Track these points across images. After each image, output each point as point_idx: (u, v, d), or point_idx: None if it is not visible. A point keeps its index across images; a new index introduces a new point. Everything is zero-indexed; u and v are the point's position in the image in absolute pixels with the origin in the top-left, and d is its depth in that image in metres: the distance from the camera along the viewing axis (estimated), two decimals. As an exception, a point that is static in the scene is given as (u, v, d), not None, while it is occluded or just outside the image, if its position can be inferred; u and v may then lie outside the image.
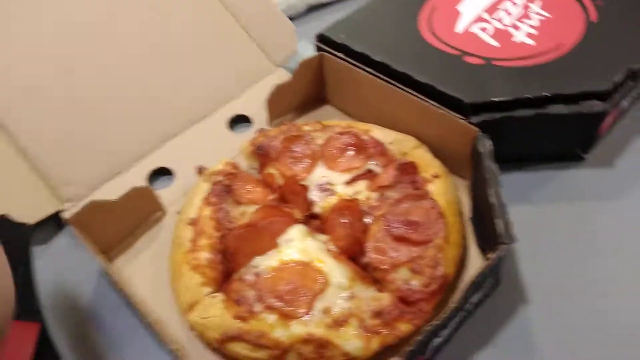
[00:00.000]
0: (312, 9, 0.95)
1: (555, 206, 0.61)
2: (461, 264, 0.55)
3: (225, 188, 0.60)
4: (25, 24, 0.68)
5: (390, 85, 0.64)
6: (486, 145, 0.57)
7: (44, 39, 0.68)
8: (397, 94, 0.64)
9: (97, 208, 0.57)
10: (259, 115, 0.73)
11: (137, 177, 0.66)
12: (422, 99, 0.62)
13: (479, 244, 0.57)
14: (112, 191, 0.63)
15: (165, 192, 0.66)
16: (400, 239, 0.54)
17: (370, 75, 0.66)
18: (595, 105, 0.58)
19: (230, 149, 0.69)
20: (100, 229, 0.59)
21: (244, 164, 0.67)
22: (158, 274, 0.58)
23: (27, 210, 0.60)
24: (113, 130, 0.68)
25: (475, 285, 0.47)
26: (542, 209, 0.61)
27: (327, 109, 0.75)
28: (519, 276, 0.56)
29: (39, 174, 0.64)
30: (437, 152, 0.63)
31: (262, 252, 0.54)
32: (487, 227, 0.52)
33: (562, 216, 0.60)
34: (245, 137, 0.70)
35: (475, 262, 0.56)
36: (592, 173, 0.64)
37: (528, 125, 0.60)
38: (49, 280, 0.60)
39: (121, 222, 0.61)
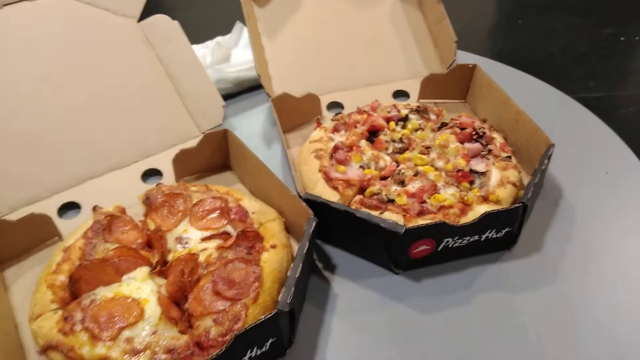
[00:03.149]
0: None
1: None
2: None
3: (104, 226, 0.72)
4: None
5: (264, 167, 0.76)
6: (311, 225, 0.67)
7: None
8: (268, 174, 0.75)
9: (-5, 225, 0.70)
10: (171, 171, 0.85)
11: (50, 206, 0.80)
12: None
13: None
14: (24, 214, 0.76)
15: (71, 222, 0.78)
16: (217, 294, 0.63)
17: (254, 155, 0.78)
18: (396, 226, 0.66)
19: (136, 196, 0.81)
20: (-2, 243, 0.72)
21: (141, 210, 0.79)
22: (32, 287, 0.70)
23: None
24: (40, 164, 0.81)
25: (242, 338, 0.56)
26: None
27: (227, 175, 0.87)
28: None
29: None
30: (291, 224, 0.74)
31: (107, 283, 0.65)
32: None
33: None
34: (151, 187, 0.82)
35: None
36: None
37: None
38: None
39: (17, 240, 0.74)
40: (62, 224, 0.78)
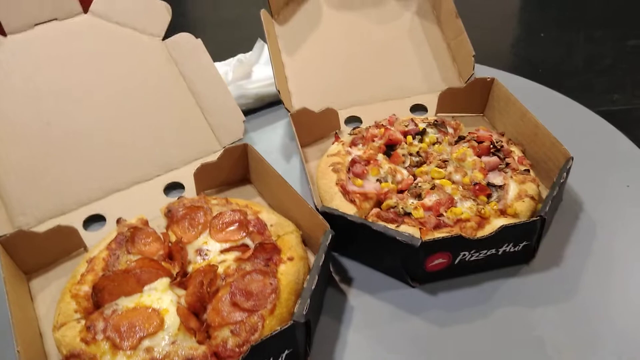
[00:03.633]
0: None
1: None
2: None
3: (128, 238, 0.74)
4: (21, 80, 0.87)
5: (283, 180, 0.77)
6: (328, 238, 0.67)
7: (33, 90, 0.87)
8: (286, 188, 0.77)
9: (23, 236, 0.73)
10: (192, 185, 0.88)
11: (76, 218, 0.82)
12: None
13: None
14: (51, 226, 0.78)
15: (96, 234, 0.81)
16: (235, 305, 0.64)
17: (273, 169, 0.79)
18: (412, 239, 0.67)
19: (158, 209, 0.83)
20: (25, 254, 0.74)
21: (163, 222, 0.81)
22: (57, 297, 0.72)
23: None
24: (67, 177, 0.84)
25: (258, 349, 0.57)
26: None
27: (247, 188, 0.89)
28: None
29: (2, 200, 0.81)
30: (308, 237, 0.75)
31: (128, 294, 0.67)
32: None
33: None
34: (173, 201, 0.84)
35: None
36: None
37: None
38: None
39: (44, 251, 0.76)
40: (87, 235, 0.80)
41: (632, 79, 1.50)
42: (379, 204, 0.79)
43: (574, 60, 1.62)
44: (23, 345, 0.61)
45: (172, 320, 0.63)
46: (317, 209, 0.72)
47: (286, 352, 0.60)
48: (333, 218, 0.71)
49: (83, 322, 0.65)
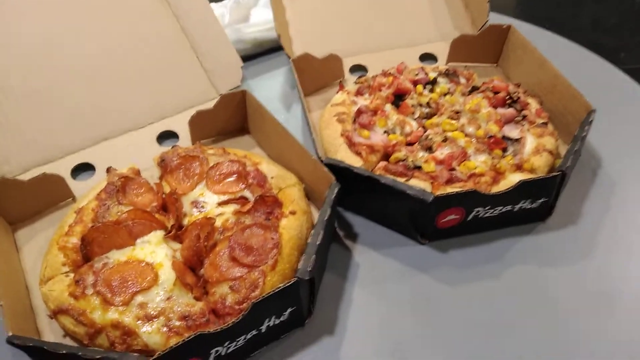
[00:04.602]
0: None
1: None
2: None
3: (118, 188, 0.70)
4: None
5: (284, 130, 0.72)
6: (333, 191, 0.63)
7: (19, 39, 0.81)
8: (288, 138, 0.72)
9: (7, 184, 0.68)
10: (187, 134, 0.82)
11: (63, 166, 0.77)
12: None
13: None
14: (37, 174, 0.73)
15: (84, 184, 0.76)
16: (234, 260, 0.61)
17: (274, 118, 0.74)
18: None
19: (151, 158, 0.78)
20: (9, 203, 0.70)
21: (156, 172, 0.76)
22: (44, 249, 0.68)
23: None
24: (54, 124, 0.79)
25: (259, 306, 0.53)
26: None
27: (245, 139, 0.84)
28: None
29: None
30: (311, 190, 0.70)
31: (120, 246, 0.63)
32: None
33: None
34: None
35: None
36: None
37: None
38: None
39: (30, 201, 0.71)
40: (75, 185, 0.75)
41: (639, 38, 1.46)
42: (386, 157, 0.74)
43: (581, 19, 1.56)
44: (7, 299, 0.57)
45: (167, 275, 0.59)
46: (321, 161, 0.68)
47: (289, 310, 0.57)
48: (338, 171, 0.66)
49: (72, 275, 0.61)
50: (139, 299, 0.57)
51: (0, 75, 0.77)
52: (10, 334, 0.53)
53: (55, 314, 0.58)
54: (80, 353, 0.51)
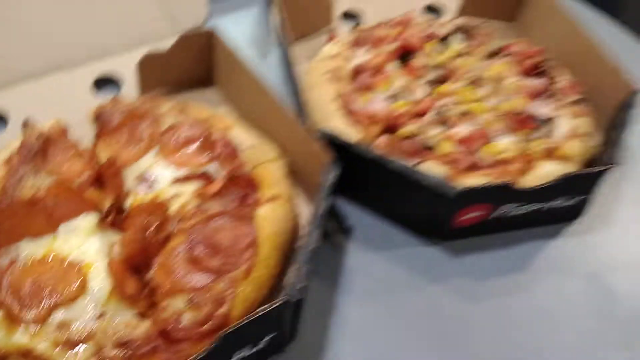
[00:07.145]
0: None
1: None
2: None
3: (37, 151, 0.52)
4: None
5: (263, 85, 0.56)
6: (332, 176, 0.48)
7: None
8: (268, 96, 0.56)
9: None
10: (134, 81, 0.64)
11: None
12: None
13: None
14: None
15: (-7, 139, 0.57)
16: (195, 262, 0.45)
17: (250, 68, 0.58)
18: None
19: (84, 112, 0.60)
20: None
21: (90, 132, 0.58)
22: None
23: None
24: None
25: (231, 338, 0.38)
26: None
27: (210, 93, 0.66)
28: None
29: None
30: (297, 167, 0.55)
31: (35, 235, 0.46)
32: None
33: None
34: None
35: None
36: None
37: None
38: None
39: None
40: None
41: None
42: (387, 129, 0.59)
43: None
44: None
45: (99, 280, 0.44)
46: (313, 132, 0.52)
47: (268, 337, 0.42)
48: (334, 147, 0.51)
49: (-37, 274, 0.44)
50: (59, 315, 0.41)
51: None
52: None
53: None
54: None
